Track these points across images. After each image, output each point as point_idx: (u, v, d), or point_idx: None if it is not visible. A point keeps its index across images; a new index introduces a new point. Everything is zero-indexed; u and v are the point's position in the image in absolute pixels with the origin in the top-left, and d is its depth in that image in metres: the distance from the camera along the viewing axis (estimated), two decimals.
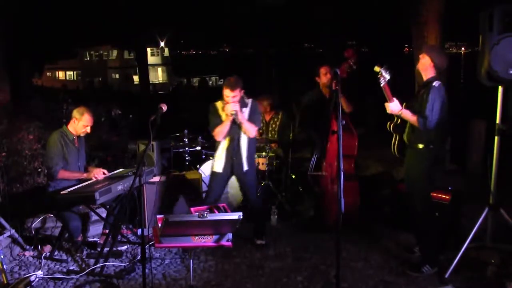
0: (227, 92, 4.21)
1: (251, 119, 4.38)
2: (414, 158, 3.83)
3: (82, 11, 16.24)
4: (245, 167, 4.46)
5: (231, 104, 4.22)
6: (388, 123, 4.00)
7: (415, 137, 3.76)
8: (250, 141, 4.46)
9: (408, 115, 3.72)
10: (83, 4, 15.60)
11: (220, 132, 4.35)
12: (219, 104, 4.41)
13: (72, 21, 16.41)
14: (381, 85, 3.70)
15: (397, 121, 3.93)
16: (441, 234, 4.08)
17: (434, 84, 3.63)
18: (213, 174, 4.53)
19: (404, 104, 3.83)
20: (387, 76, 3.67)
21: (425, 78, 3.80)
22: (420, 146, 3.74)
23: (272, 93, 6.26)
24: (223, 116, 4.36)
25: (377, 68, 3.69)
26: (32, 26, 11.12)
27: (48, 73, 45.00)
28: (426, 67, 3.76)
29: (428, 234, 3.87)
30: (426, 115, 3.59)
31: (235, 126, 4.35)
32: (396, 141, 3.98)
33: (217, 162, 4.48)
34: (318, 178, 4.86)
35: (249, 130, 4.37)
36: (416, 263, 3.90)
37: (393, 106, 3.73)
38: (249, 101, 4.42)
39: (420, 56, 3.83)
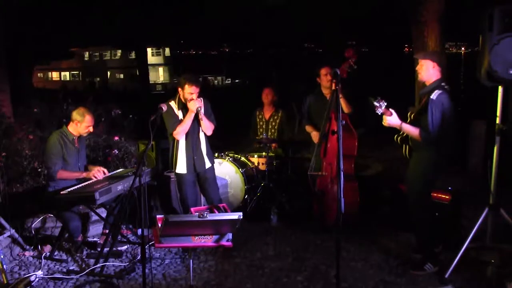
0: (192, 89, 4.23)
1: (208, 116, 4.43)
2: (418, 161, 3.85)
3: (80, 11, 16.18)
4: (207, 164, 4.51)
5: (196, 101, 4.26)
6: (396, 136, 4.02)
7: (419, 143, 3.77)
8: (207, 138, 4.53)
9: (409, 128, 3.72)
10: (81, 4, 15.55)
11: (183, 131, 4.36)
12: (173, 103, 4.40)
13: (69, 21, 16.32)
14: (380, 113, 3.65)
15: (403, 133, 3.94)
16: (442, 234, 4.09)
17: (432, 96, 3.63)
18: (180, 177, 4.50)
19: (412, 114, 3.84)
20: (384, 104, 3.61)
21: (428, 83, 3.80)
22: (424, 151, 3.76)
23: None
24: (180, 115, 4.37)
25: (372, 100, 3.63)
26: (27, 26, 11.11)
27: (39, 74, 44.19)
28: (429, 72, 3.76)
29: (426, 233, 3.89)
30: (427, 130, 3.61)
31: (194, 124, 4.38)
32: (407, 149, 3.98)
33: (179, 163, 4.45)
34: (318, 178, 4.85)
35: (208, 127, 4.43)
36: (418, 262, 3.90)
37: (391, 120, 3.69)
38: (201, 99, 4.42)
39: (419, 65, 3.82)
